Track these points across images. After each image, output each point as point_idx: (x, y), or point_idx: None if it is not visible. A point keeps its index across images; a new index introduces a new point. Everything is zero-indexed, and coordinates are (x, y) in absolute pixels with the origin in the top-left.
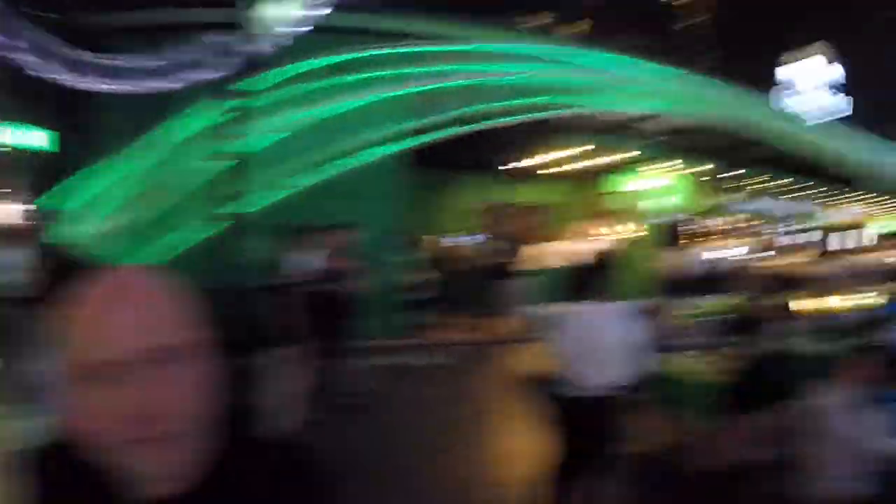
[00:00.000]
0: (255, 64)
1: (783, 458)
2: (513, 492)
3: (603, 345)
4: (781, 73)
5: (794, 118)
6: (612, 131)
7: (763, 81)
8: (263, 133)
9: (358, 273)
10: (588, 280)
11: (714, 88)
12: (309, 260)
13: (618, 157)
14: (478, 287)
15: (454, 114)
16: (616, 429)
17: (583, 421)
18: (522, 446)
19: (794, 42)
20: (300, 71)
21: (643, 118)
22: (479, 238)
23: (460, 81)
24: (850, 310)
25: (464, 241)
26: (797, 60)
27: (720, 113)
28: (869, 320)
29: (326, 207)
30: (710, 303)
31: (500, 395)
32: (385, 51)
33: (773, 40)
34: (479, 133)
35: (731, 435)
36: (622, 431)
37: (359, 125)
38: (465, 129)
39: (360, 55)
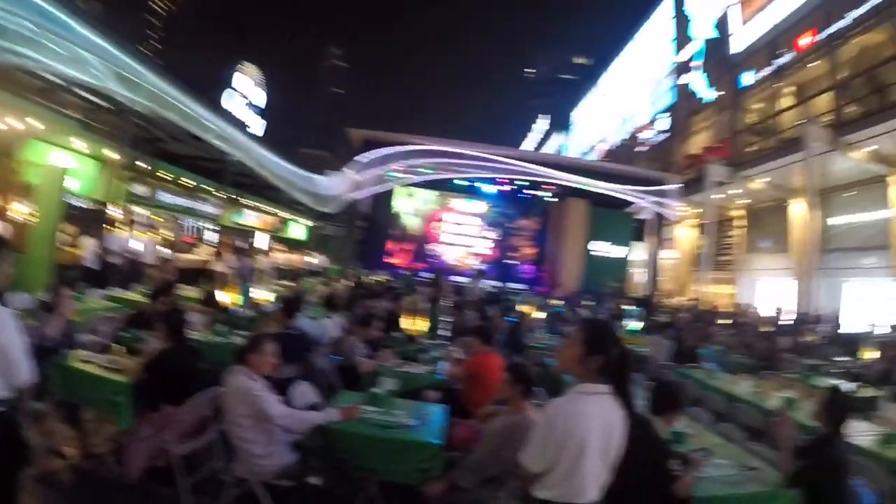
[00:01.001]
0: None
1: (212, 443)
2: None
3: None
4: (235, 80)
5: (226, 125)
6: (27, 93)
7: (214, 84)
8: None
9: None
10: None
11: (155, 77)
12: None
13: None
14: None
15: None
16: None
17: None
18: None
19: (241, 56)
20: None
21: (67, 87)
22: None
23: None
24: (242, 304)
25: None
26: (242, 74)
27: (152, 102)
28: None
29: None
30: (116, 295)
31: None
32: None
33: (229, 49)
34: None
35: (142, 436)
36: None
37: None
38: None
39: None
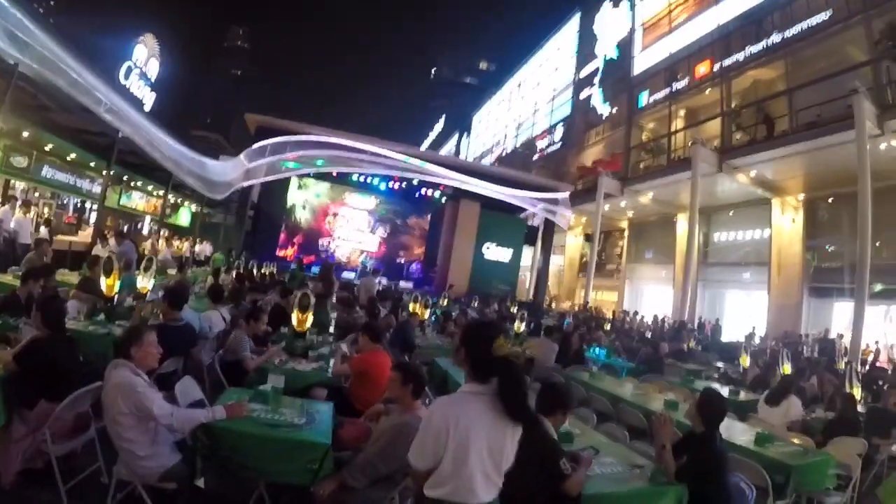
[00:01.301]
0: None
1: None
2: None
3: None
4: (136, 53)
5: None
6: None
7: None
8: None
9: None
10: None
11: (48, 38)
12: None
13: None
14: None
15: None
16: None
17: None
18: None
19: (139, 24)
20: None
21: None
22: None
23: None
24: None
25: None
26: (144, 46)
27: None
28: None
29: None
30: None
31: None
32: None
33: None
34: None
35: (16, 436)
36: None
37: None
38: None
39: None
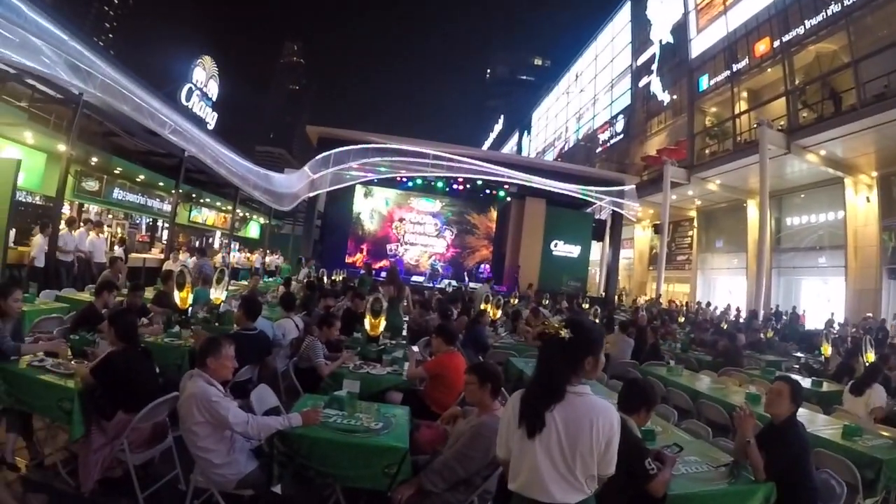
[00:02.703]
0: None
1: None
2: None
3: None
4: (195, 75)
5: (183, 119)
6: None
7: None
8: None
9: None
10: None
11: (109, 67)
12: None
13: None
14: None
15: None
16: None
17: None
18: None
19: (198, 49)
20: None
21: (16, 75)
22: None
23: None
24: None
25: None
26: (202, 69)
27: (105, 94)
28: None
29: None
30: (69, 296)
31: None
32: None
33: (185, 41)
34: None
35: (95, 446)
36: None
37: None
38: None
39: None
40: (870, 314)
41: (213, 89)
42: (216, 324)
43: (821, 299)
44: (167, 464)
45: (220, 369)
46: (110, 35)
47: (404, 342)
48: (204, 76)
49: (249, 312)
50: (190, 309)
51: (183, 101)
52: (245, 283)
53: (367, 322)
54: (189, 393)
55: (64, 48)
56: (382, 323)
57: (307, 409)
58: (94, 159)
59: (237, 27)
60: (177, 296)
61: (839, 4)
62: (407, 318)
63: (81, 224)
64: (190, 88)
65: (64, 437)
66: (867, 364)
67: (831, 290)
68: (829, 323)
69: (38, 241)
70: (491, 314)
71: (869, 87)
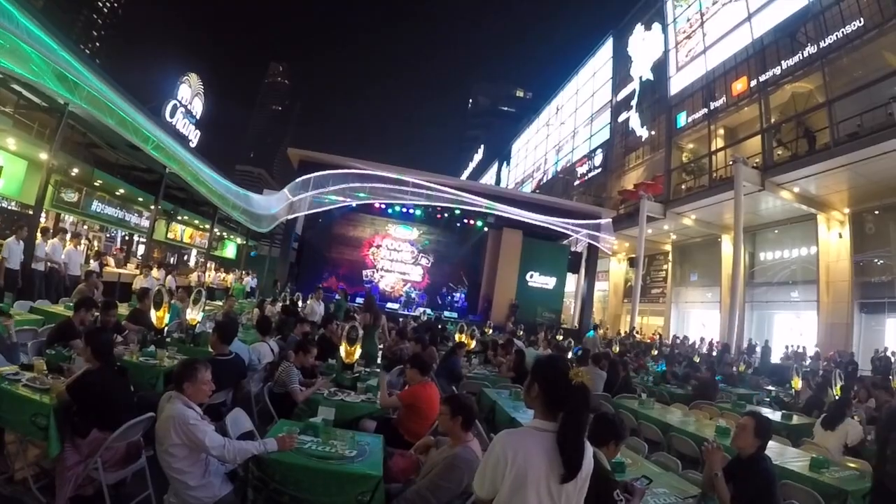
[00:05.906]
0: None
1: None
2: None
3: None
4: (180, 92)
5: (166, 136)
6: None
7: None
8: None
9: None
10: None
11: (96, 79)
12: None
13: None
14: None
15: None
16: None
17: None
18: None
19: (183, 65)
20: None
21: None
22: None
23: None
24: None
25: None
26: (187, 86)
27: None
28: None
29: None
30: (42, 308)
31: None
32: None
33: (170, 56)
34: None
35: (68, 463)
36: None
37: None
38: None
39: None
40: (840, 348)
41: (198, 106)
42: (191, 345)
43: (793, 333)
44: (140, 484)
45: (196, 393)
46: (97, 44)
47: (378, 370)
48: (189, 93)
49: (225, 337)
50: (165, 329)
51: (167, 117)
52: (220, 303)
53: (342, 349)
54: (167, 415)
55: (52, 56)
56: (358, 350)
57: (283, 434)
58: (76, 170)
59: (224, 45)
60: (153, 314)
61: (815, 46)
62: (381, 347)
63: (58, 234)
64: (175, 105)
65: (35, 452)
66: (836, 398)
67: (804, 324)
68: (800, 356)
69: (11, 242)
70: (467, 344)
71: (843, 126)
